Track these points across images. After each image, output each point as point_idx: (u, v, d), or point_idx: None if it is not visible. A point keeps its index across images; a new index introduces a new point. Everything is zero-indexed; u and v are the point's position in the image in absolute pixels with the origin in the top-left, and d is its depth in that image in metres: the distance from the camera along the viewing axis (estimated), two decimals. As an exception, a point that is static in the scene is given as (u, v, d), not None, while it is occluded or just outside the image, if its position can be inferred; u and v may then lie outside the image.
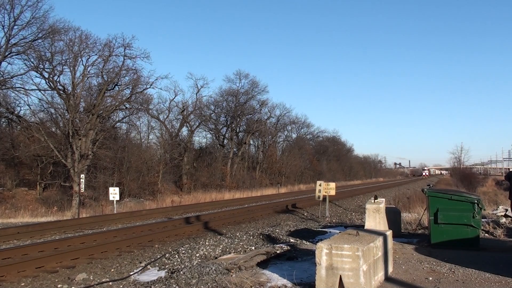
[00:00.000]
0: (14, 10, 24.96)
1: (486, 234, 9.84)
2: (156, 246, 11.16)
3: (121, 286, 7.36)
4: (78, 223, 15.58)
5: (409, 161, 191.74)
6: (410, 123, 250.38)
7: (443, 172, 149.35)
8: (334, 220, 17.30)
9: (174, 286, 6.24)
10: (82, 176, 22.67)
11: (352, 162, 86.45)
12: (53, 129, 30.27)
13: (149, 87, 32.01)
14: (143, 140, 38.67)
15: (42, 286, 7.55)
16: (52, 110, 29.39)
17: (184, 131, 42.39)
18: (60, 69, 27.15)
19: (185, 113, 40.75)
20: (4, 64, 25.71)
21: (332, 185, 18.70)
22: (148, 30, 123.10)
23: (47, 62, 26.61)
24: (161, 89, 59.16)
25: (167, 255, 9.36)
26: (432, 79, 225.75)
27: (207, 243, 10.01)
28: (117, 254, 10.03)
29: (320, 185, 18.38)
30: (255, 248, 9.58)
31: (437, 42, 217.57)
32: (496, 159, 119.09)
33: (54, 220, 17.36)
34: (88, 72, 28.48)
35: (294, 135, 62.58)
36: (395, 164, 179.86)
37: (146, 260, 9.26)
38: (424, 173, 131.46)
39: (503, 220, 11.48)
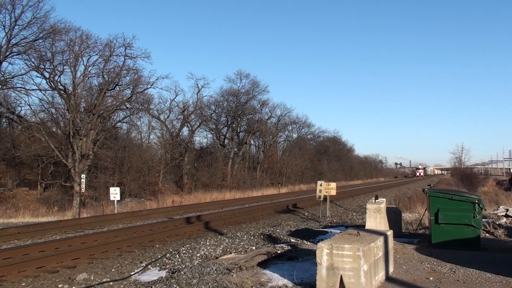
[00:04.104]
0: (15, 10, 25.04)
1: (487, 234, 9.83)
2: (157, 246, 11.17)
3: (122, 286, 7.37)
4: (78, 223, 15.60)
5: (410, 161, 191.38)
6: (410, 123, 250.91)
7: (444, 172, 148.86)
8: (335, 220, 17.29)
9: (175, 286, 6.23)
10: (83, 176, 22.69)
11: (352, 162, 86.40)
12: (54, 129, 30.29)
13: (150, 87, 32.17)
14: (143, 140, 38.73)
15: (43, 286, 7.55)
16: (53, 110, 29.48)
17: (185, 131, 42.49)
18: (61, 69, 27.24)
19: (185, 113, 40.75)
20: (5, 64, 25.81)
21: (333, 185, 18.71)
22: (148, 30, 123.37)
23: (47, 62, 26.67)
24: (161, 89, 59.62)
25: (167, 255, 9.36)
26: (432, 79, 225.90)
27: (207, 243, 10.01)
28: (118, 254, 10.04)
29: (321, 185, 18.37)
30: (256, 248, 9.57)
31: (437, 42, 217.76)
32: (497, 159, 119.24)
33: (55, 220, 17.38)
34: (89, 72, 28.55)
35: (295, 135, 62.73)
36: (396, 164, 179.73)
37: (146, 260, 9.26)
38: (418, 173, 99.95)
39: (504, 220, 11.46)
